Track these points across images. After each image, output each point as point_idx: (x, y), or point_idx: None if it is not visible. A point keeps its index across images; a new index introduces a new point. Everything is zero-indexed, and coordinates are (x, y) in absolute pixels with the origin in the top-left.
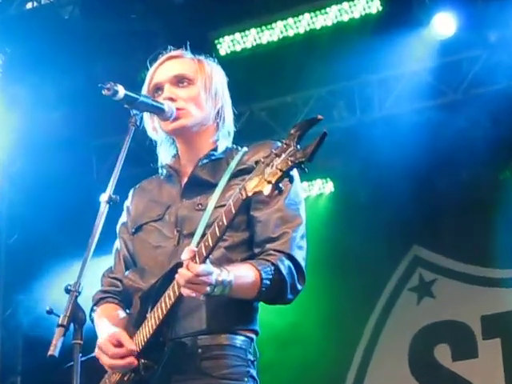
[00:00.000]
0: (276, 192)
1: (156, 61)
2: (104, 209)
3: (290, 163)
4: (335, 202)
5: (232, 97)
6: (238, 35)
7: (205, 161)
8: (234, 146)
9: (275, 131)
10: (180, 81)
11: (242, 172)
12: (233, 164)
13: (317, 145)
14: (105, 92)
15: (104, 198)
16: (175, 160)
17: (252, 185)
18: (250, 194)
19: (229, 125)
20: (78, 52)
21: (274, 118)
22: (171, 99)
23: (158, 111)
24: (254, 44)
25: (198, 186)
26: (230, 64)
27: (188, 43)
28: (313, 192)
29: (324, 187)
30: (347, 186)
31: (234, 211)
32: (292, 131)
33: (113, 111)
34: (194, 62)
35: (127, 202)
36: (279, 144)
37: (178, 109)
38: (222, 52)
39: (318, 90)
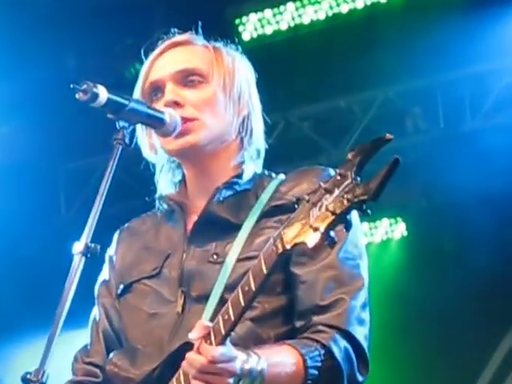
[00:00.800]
0: (326, 243)
1: (153, 49)
2: (78, 263)
3: (346, 203)
4: (408, 250)
5: (261, 100)
6: (268, 12)
7: (225, 192)
8: (266, 171)
9: (322, 150)
10: (188, 78)
11: (278, 210)
12: (264, 198)
13: (385, 177)
14: (79, 96)
15: (78, 248)
16: (180, 190)
17: (292, 233)
18: (288, 247)
19: (258, 140)
20: (41, 38)
21: (319, 131)
22: (176, 104)
23: (157, 123)
24: (292, 25)
25: (214, 228)
26: (257, 54)
27: (199, 23)
28: (377, 237)
29: (393, 230)
30: (424, 227)
31: (265, 271)
32: (349, 156)
33: (89, 123)
34: (207, 50)
35: (110, 251)
36: (331, 173)
37: (185, 118)
38: (246, 36)
39: (384, 91)
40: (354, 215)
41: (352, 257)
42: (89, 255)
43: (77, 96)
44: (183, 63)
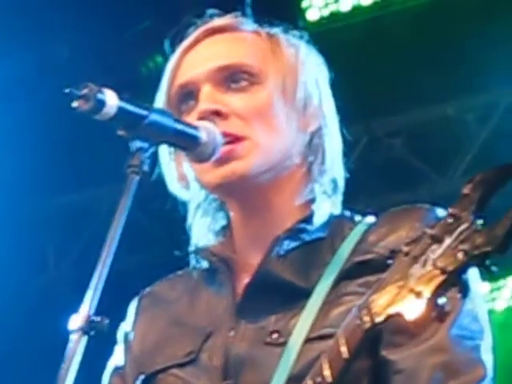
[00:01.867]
0: (433, 315)
1: (182, 39)
2: (77, 345)
3: (462, 257)
4: None
5: (336, 108)
6: None
7: (288, 244)
8: (347, 212)
9: (422, 177)
10: (233, 78)
11: (364, 268)
12: (344, 251)
13: None
14: (78, 104)
15: (76, 322)
16: (225, 241)
17: (384, 300)
18: (379, 320)
19: (334, 167)
20: (26, 21)
21: (417, 151)
22: (216, 115)
23: (189, 143)
24: None
25: (273, 295)
26: (328, 40)
27: (247, 1)
28: (502, 303)
29: None
30: None
31: (347, 355)
32: (465, 190)
33: (92, 143)
34: (260, 39)
35: (125, 327)
36: (439, 214)
37: (229, 135)
38: (313, 15)
39: (510, 93)
40: (474, 274)
41: (470, 335)
42: (92, 333)
43: (74, 104)
44: (225, 58)
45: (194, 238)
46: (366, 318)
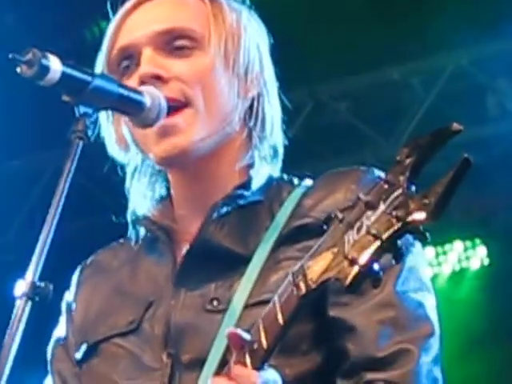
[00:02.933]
0: (368, 281)
1: (125, 1)
2: (22, 310)
3: (395, 223)
4: (490, 284)
5: (280, 73)
6: None
7: (225, 209)
8: (285, 176)
9: (367, 141)
10: (175, 43)
11: (302, 232)
12: (282, 215)
13: (450, 186)
14: (22, 70)
15: (22, 288)
16: (165, 208)
17: (319, 266)
18: (314, 286)
19: (273, 132)
20: None
21: (363, 115)
22: (156, 79)
23: (133, 108)
24: None
25: (212, 262)
26: (272, 5)
27: None
28: (447, 267)
29: (469, 257)
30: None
31: (282, 321)
32: (401, 155)
33: (36, 108)
34: (202, 3)
35: (68, 296)
36: (376, 178)
37: (170, 100)
38: None
39: (455, 58)
40: (414, 243)
41: (414, 292)
42: (37, 298)
43: (18, 70)
44: (167, 21)
45: (132, 204)
46: (301, 285)
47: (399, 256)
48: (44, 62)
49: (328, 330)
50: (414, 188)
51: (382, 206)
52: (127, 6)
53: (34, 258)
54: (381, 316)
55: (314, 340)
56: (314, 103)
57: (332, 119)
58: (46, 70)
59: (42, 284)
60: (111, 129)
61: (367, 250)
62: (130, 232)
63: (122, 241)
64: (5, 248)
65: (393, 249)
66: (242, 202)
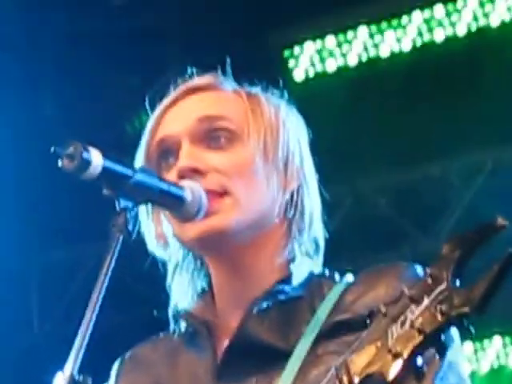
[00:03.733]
0: (412, 375)
1: (165, 96)
2: None
3: (440, 317)
4: None
5: (320, 168)
6: (331, 40)
7: (266, 304)
8: (326, 271)
9: (406, 236)
10: (213, 134)
11: (342, 327)
12: (323, 310)
13: (495, 281)
14: (63, 164)
15: (61, 381)
16: (206, 302)
17: (362, 360)
18: (357, 381)
19: (314, 226)
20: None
21: (403, 210)
22: (195, 172)
23: (173, 203)
24: (365, 58)
25: (253, 357)
26: (314, 100)
27: (228, 59)
28: (485, 364)
29: (508, 353)
30: None
31: None
32: (444, 250)
33: (76, 201)
34: (240, 98)
35: None
36: (417, 271)
37: (208, 191)
38: (299, 75)
39: (494, 155)
40: (454, 333)
41: None
42: None
43: (60, 164)
44: (205, 110)
45: (173, 298)
46: (345, 379)
47: (443, 350)
48: (85, 155)
49: None
50: (458, 283)
51: (426, 301)
52: (166, 101)
53: (73, 351)
54: None
55: None
56: (354, 197)
57: (372, 213)
58: (87, 164)
59: (81, 377)
60: (151, 225)
61: (411, 343)
62: (172, 327)
63: (162, 335)
64: (45, 342)
65: (437, 343)
66: (282, 297)
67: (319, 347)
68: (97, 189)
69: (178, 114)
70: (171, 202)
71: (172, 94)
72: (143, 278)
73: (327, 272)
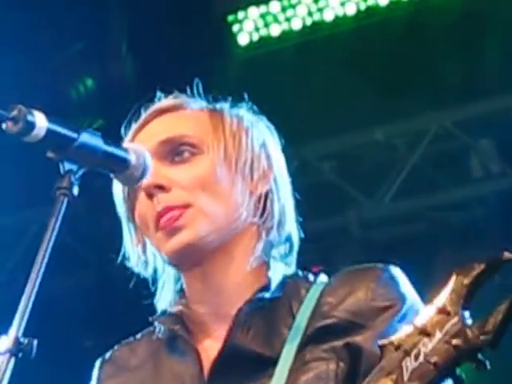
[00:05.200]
0: None
1: (134, 121)
2: (5, 367)
3: (453, 352)
4: None
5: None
6: (275, 5)
7: (249, 313)
8: (300, 272)
9: (350, 201)
10: (176, 151)
11: (327, 333)
12: (303, 315)
13: (507, 315)
14: (7, 126)
15: (5, 344)
16: (185, 309)
17: None
18: None
19: (283, 227)
20: None
21: (347, 175)
22: (159, 188)
23: (118, 165)
24: (309, 23)
25: (241, 366)
26: (257, 64)
27: (195, 82)
28: None
29: None
30: None
31: None
32: (455, 283)
33: (20, 165)
34: (202, 113)
35: None
36: (395, 276)
37: (173, 208)
38: (243, 40)
39: (438, 120)
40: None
41: None
42: (20, 355)
43: (3, 126)
44: (167, 132)
45: (155, 302)
46: None
47: (459, 383)
48: (29, 118)
49: None
50: (468, 316)
51: (439, 334)
52: (135, 126)
53: (18, 315)
54: None
55: None
56: (298, 163)
57: (316, 179)
58: (31, 126)
59: (26, 340)
60: (133, 247)
61: (427, 378)
62: (155, 329)
63: (138, 336)
64: None
65: (452, 376)
66: (265, 305)
67: (306, 353)
68: (41, 153)
69: (142, 139)
70: (115, 165)
71: (141, 118)
72: (88, 241)
73: (300, 273)
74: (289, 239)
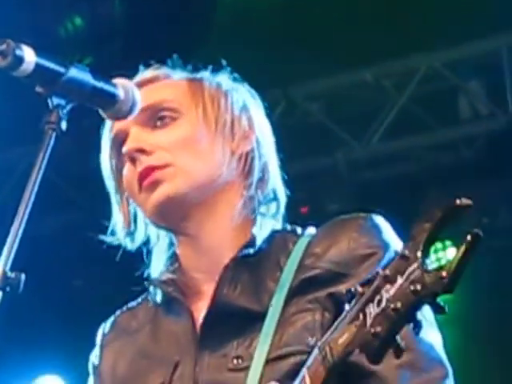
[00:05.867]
0: (390, 352)
1: None
2: None
3: (412, 297)
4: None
5: (252, 72)
6: None
7: (235, 269)
8: (288, 226)
9: (338, 142)
10: (156, 116)
11: (312, 284)
12: (290, 267)
13: (461, 262)
14: None
15: None
16: (177, 270)
17: (343, 339)
18: (339, 359)
19: (266, 185)
20: None
21: (335, 116)
22: (141, 152)
23: (106, 101)
24: None
25: (231, 322)
26: (245, 10)
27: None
28: None
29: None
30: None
31: None
32: (414, 232)
33: (8, 99)
34: (183, 81)
35: (93, 359)
36: (378, 224)
37: (154, 167)
38: None
39: (427, 60)
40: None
41: (425, 333)
42: (8, 289)
43: None
44: (146, 100)
45: (150, 268)
46: (328, 357)
47: (418, 327)
48: (18, 52)
49: (348, 377)
50: (428, 263)
51: (400, 280)
52: None
53: (5, 249)
54: (399, 360)
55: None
56: (286, 103)
57: (304, 120)
58: (19, 60)
59: (13, 274)
60: (119, 215)
61: (388, 323)
62: (148, 294)
63: (139, 300)
64: None
65: (412, 321)
66: (251, 259)
67: (291, 305)
68: (28, 90)
69: None
70: (104, 100)
71: None
72: (75, 181)
73: (289, 227)
74: (274, 196)
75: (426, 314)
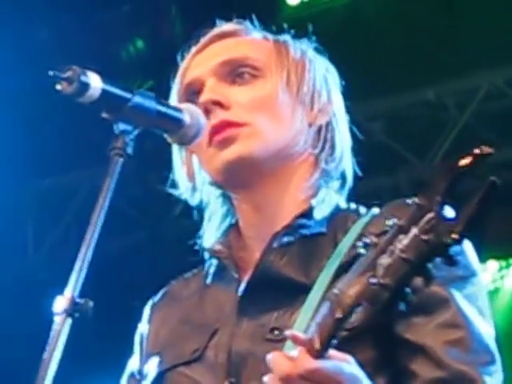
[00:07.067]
0: (400, 305)
1: (193, 46)
2: (61, 327)
3: (425, 247)
4: None
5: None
6: None
7: (287, 238)
8: (353, 205)
9: (401, 161)
10: (237, 71)
11: None
12: (345, 244)
13: (477, 209)
14: (61, 87)
15: (61, 304)
16: (233, 237)
17: (354, 291)
18: (348, 311)
19: (341, 161)
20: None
21: (397, 135)
22: (218, 105)
23: (172, 125)
24: None
25: (273, 291)
26: (307, 25)
27: (253, 17)
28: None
29: (503, 276)
30: None
31: (319, 347)
32: (433, 178)
33: (74, 125)
34: (267, 41)
35: (141, 327)
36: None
37: (228, 123)
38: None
39: (490, 78)
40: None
41: (476, 315)
42: (77, 315)
43: (58, 87)
44: (229, 53)
45: (204, 235)
46: (338, 310)
47: (429, 280)
48: (84, 78)
49: (394, 353)
50: (447, 211)
51: (414, 230)
52: (195, 48)
53: (74, 275)
54: (448, 337)
55: (378, 365)
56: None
57: (366, 139)
58: (85, 86)
59: (82, 301)
60: (183, 167)
61: (398, 274)
62: (203, 263)
63: (195, 271)
64: (39, 266)
65: (423, 272)
66: (305, 232)
67: (339, 280)
68: (92, 114)
69: (203, 59)
70: (170, 125)
71: (201, 41)
72: (138, 202)
73: (353, 206)
74: (343, 175)
75: (482, 307)
